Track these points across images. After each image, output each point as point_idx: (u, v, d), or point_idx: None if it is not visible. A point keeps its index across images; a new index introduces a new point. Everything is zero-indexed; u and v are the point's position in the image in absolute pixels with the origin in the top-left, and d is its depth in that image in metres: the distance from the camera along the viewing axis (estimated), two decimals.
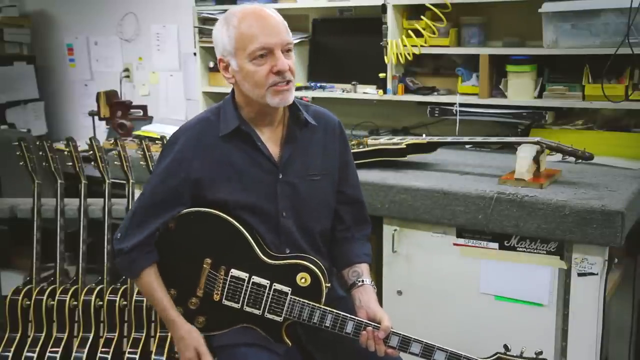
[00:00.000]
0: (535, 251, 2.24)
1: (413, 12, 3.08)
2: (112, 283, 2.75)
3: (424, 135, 2.82)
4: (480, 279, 2.34)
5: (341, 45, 3.45)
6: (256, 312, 1.80)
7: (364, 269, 1.95)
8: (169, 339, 2.66)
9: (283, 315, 1.80)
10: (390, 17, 3.04)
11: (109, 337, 2.68)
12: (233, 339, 1.83)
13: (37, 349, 2.64)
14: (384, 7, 3.04)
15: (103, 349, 2.65)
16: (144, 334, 2.67)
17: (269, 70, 1.73)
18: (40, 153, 2.79)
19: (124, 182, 2.80)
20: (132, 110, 3.94)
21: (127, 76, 4.57)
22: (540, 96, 2.83)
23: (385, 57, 3.08)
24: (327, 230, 1.97)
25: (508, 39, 2.97)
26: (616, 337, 2.71)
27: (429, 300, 2.45)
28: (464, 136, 2.78)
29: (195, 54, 3.75)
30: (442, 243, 2.39)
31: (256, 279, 1.80)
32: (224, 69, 1.81)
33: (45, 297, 2.70)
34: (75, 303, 2.71)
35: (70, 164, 2.79)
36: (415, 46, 3.03)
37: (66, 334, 2.70)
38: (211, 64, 3.72)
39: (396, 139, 2.71)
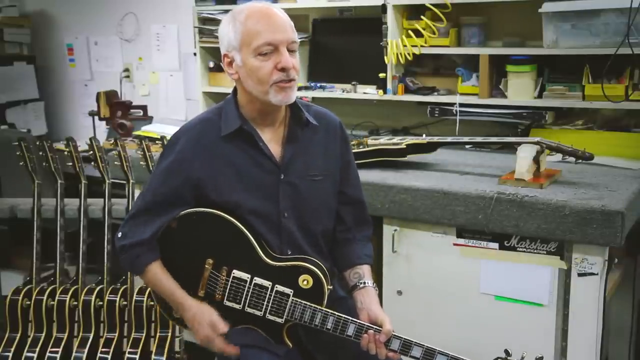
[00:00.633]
0: (535, 251, 2.24)
1: (413, 12, 3.08)
2: (112, 283, 2.75)
3: (424, 135, 2.82)
4: (480, 279, 2.34)
5: (341, 45, 3.46)
6: (257, 313, 1.80)
7: (365, 270, 1.95)
8: (169, 339, 2.67)
9: (284, 316, 1.80)
10: (390, 17, 3.04)
11: (109, 337, 2.68)
12: (234, 340, 1.82)
13: (37, 349, 2.64)
14: (384, 7, 3.04)
15: (103, 349, 2.65)
16: (144, 334, 2.67)
17: (273, 66, 1.73)
18: (40, 153, 2.79)
19: (124, 182, 2.80)
20: (132, 110, 3.94)
21: (127, 76, 4.57)
22: (540, 96, 2.83)
23: (385, 57, 3.08)
24: (328, 230, 1.97)
25: (508, 39, 2.97)
26: (616, 337, 2.71)
27: (429, 300, 2.45)
28: (464, 136, 2.78)
29: (195, 54, 3.75)
30: (442, 243, 2.39)
31: (258, 280, 1.80)
32: (228, 64, 1.81)
33: (45, 297, 2.70)
34: (75, 303, 2.71)
35: (70, 164, 2.79)
36: (415, 46, 3.03)
37: (66, 334, 2.70)
38: (211, 64, 3.72)
39: (396, 139, 2.71)
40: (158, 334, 2.69)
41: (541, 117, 2.82)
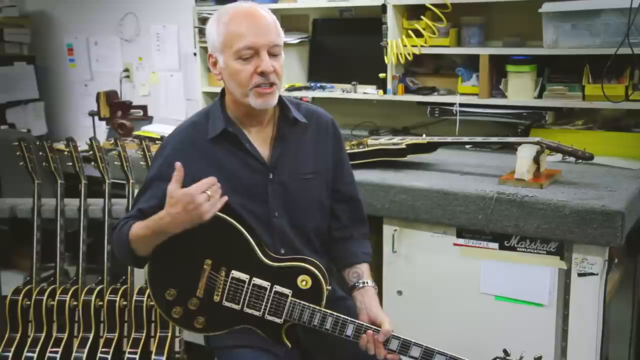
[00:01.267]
0: (535, 251, 2.24)
1: (413, 12, 3.07)
2: (112, 283, 2.75)
3: (424, 135, 2.82)
4: (480, 279, 2.34)
5: (341, 45, 3.45)
6: (256, 313, 1.80)
7: (364, 269, 1.95)
8: (168, 339, 2.67)
9: (283, 317, 1.80)
10: (390, 17, 3.04)
11: (109, 337, 2.68)
12: (232, 340, 1.83)
13: (37, 349, 2.65)
14: (384, 7, 3.04)
15: (103, 349, 2.65)
16: (144, 334, 2.67)
17: (253, 70, 1.72)
18: (40, 153, 2.79)
19: (124, 182, 2.80)
20: (132, 111, 3.94)
21: (127, 76, 4.57)
22: (540, 96, 2.83)
23: (385, 57, 3.08)
24: (321, 228, 1.96)
25: (508, 39, 2.97)
26: (616, 337, 2.71)
27: (429, 300, 2.45)
28: (464, 136, 2.78)
29: (195, 54, 3.75)
30: (442, 243, 2.39)
31: (257, 280, 1.80)
32: (212, 65, 1.82)
33: (45, 297, 2.70)
34: (75, 303, 2.71)
35: (70, 164, 2.79)
36: (415, 46, 3.02)
37: (66, 334, 2.70)
38: None
39: (396, 139, 2.71)
40: (158, 334, 2.68)
41: (541, 117, 2.82)
